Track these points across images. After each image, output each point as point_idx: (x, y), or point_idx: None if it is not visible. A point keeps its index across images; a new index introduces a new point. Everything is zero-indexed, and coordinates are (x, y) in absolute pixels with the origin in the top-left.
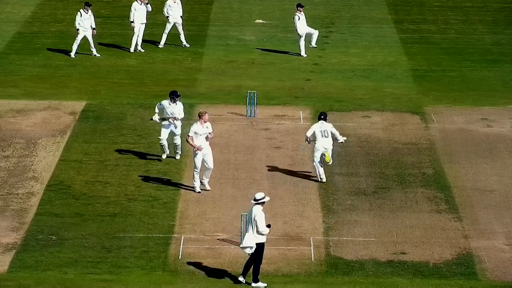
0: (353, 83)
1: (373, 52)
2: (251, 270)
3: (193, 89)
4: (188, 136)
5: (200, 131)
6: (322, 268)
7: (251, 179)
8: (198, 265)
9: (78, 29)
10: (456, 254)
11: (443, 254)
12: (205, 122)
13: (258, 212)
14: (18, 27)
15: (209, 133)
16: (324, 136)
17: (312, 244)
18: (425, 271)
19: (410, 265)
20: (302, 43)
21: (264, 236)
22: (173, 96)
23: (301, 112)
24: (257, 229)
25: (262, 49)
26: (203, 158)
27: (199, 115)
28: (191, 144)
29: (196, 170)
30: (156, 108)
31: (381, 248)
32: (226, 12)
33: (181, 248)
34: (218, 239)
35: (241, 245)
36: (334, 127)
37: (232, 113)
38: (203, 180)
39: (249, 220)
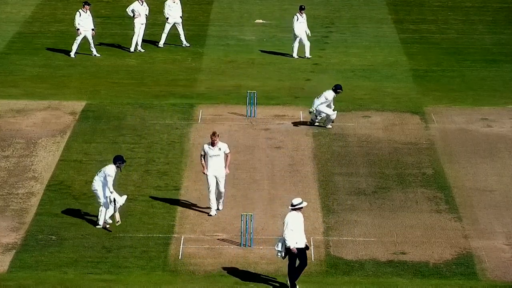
0: (353, 83)
1: (373, 52)
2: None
3: (193, 89)
4: (201, 155)
5: (210, 152)
6: (322, 268)
7: (251, 179)
8: (198, 265)
9: (78, 29)
10: (456, 254)
11: (443, 254)
12: (214, 144)
13: (288, 218)
14: (18, 27)
15: (226, 154)
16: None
17: (312, 244)
18: (425, 271)
19: (410, 265)
20: (296, 44)
21: (295, 243)
22: (120, 162)
23: (301, 112)
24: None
25: (262, 49)
26: (216, 180)
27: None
28: (201, 164)
29: (209, 190)
30: (111, 180)
31: (381, 248)
32: (226, 12)
33: (181, 248)
34: (218, 239)
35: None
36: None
37: (232, 113)
38: (218, 204)
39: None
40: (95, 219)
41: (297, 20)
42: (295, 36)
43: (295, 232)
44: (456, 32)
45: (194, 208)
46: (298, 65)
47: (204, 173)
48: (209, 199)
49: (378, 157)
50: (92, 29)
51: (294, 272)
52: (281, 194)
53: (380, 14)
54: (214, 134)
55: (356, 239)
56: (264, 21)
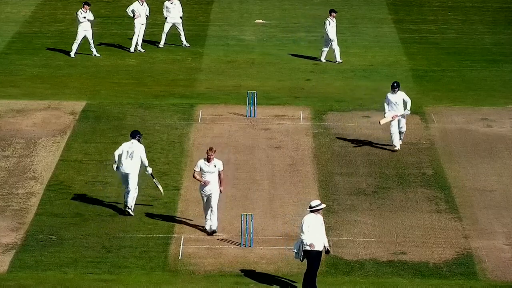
0: (353, 83)
1: (373, 52)
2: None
3: (193, 89)
4: (194, 171)
5: (205, 168)
6: (322, 268)
7: (251, 179)
8: (198, 265)
9: (82, 22)
10: (456, 254)
11: (443, 254)
12: (209, 160)
13: (304, 219)
14: (18, 27)
15: (219, 171)
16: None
17: None
18: (425, 271)
19: (410, 265)
20: (326, 49)
21: (314, 244)
22: (139, 136)
23: (301, 112)
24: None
25: (262, 49)
26: (208, 197)
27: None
28: (197, 179)
29: (204, 207)
30: (116, 155)
31: (381, 248)
32: (226, 12)
33: (181, 248)
34: (218, 239)
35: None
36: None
37: (232, 113)
38: (211, 223)
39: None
40: (95, 219)
41: (329, 24)
42: (330, 41)
43: (312, 234)
44: (456, 32)
45: (194, 208)
46: (298, 65)
47: (204, 183)
48: (205, 216)
49: (378, 157)
50: (89, 20)
51: (311, 276)
52: (281, 194)
53: (380, 14)
54: (211, 149)
55: (356, 239)
56: (264, 21)
